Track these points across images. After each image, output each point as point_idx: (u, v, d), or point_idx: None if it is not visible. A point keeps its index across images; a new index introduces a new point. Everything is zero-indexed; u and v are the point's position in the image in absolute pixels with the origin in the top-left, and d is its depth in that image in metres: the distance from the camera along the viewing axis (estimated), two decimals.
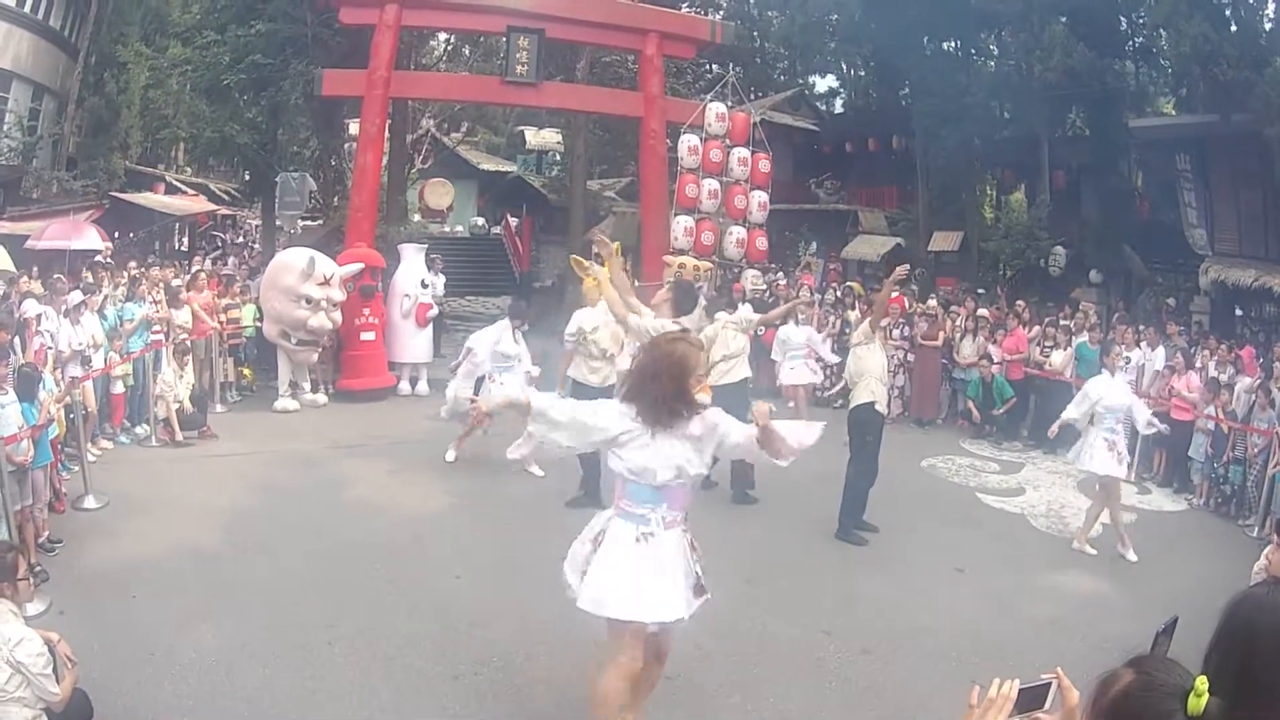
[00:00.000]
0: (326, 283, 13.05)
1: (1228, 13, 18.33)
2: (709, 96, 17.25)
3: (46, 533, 7.64)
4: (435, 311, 15.22)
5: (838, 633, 6.63)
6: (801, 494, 9.51)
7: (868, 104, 31.10)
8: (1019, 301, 16.28)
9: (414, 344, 15.01)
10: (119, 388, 11.06)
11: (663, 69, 17.41)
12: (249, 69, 17.49)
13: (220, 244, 29.94)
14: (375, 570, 7.38)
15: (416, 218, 28.14)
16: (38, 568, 6.43)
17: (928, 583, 7.82)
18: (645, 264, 16.05)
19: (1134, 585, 8.02)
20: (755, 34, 32.61)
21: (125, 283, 12.81)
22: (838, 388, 14.00)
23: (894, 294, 15.25)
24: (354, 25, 15.55)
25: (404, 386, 14.95)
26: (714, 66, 29.50)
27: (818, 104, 33.53)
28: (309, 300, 12.91)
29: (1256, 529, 9.81)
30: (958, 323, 15.05)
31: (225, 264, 20.55)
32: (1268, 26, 18.74)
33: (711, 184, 16.00)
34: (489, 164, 37.19)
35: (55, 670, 4.39)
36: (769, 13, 33.23)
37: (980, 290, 18.54)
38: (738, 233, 16.15)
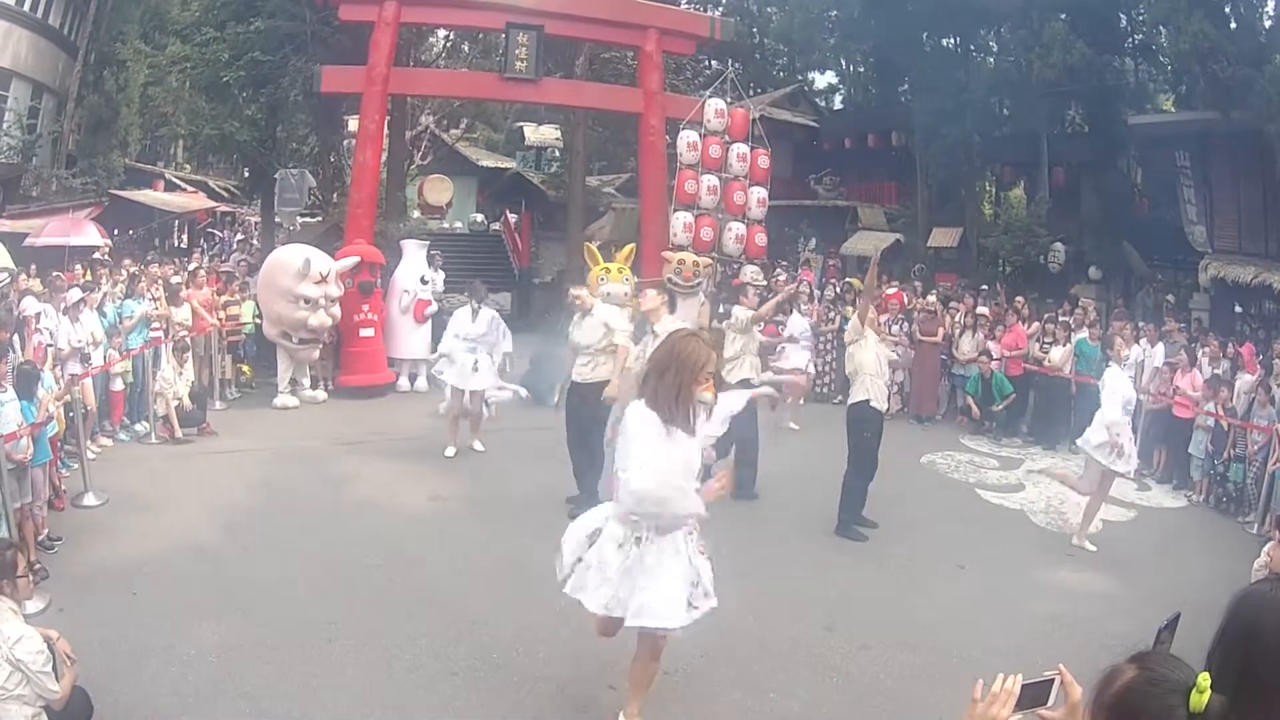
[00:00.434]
0: (323, 280, 13.04)
1: (1227, 10, 18.32)
2: (708, 92, 17.23)
3: (46, 530, 7.64)
4: (435, 308, 15.23)
5: (838, 629, 6.63)
6: (802, 490, 9.52)
7: (867, 100, 31.09)
8: (1018, 298, 16.28)
9: (413, 340, 15.00)
10: (118, 385, 11.05)
11: (662, 65, 17.41)
12: (248, 66, 17.49)
13: (217, 241, 29.96)
14: (375, 567, 7.38)
15: (416, 214, 28.11)
16: (37, 565, 6.41)
17: (928, 579, 7.83)
18: (644, 260, 16.02)
19: (1134, 581, 8.01)
20: (755, 30, 32.63)
21: (124, 280, 12.80)
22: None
23: (891, 290, 15.34)
24: (353, 22, 15.54)
25: (403, 383, 14.95)
26: (713, 63, 29.53)
27: (817, 100, 33.53)
28: (307, 300, 12.89)
29: (1256, 526, 9.82)
30: (957, 319, 15.04)
31: (224, 261, 20.54)
32: (1267, 24, 18.75)
33: (711, 180, 15.98)
34: (488, 160, 37.12)
35: (55, 668, 4.38)
36: (768, 9, 33.26)
37: (984, 287, 18.54)
38: (737, 229, 16.13)
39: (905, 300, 15.54)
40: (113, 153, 25.71)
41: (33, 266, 12.66)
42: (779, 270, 18.63)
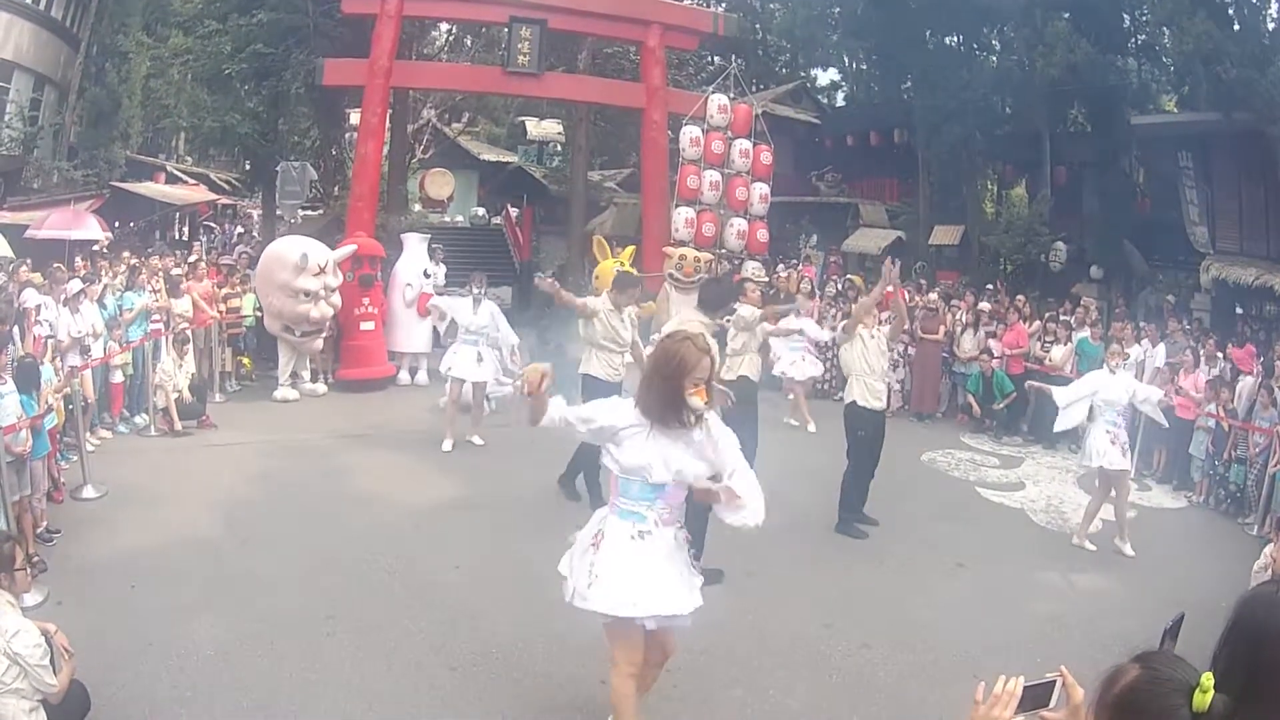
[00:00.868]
0: (322, 271, 13.01)
1: (1230, 11, 18.32)
2: (711, 88, 17.23)
3: (44, 523, 7.63)
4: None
5: (838, 627, 6.62)
6: (802, 488, 9.51)
7: (869, 98, 31.02)
8: (1019, 296, 16.28)
9: (414, 334, 14.99)
10: (118, 377, 11.04)
11: (665, 60, 17.42)
12: (250, 59, 17.49)
13: (215, 233, 29.92)
14: (374, 561, 7.37)
15: (417, 208, 28.11)
16: (35, 558, 6.40)
17: (928, 577, 7.82)
18: (646, 255, 16.02)
19: (1133, 582, 8.01)
20: (757, 26, 32.56)
21: (124, 272, 12.79)
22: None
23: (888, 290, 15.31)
24: (356, 15, 15.54)
25: (403, 376, 14.95)
26: (716, 58, 29.48)
27: (819, 97, 33.46)
28: (307, 293, 12.88)
29: (1256, 527, 9.81)
30: (958, 317, 15.03)
31: (222, 254, 20.50)
32: (1270, 26, 18.76)
33: (713, 175, 15.98)
34: (490, 154, 37.10)
35: (53, 661, 4.37)
36: (771, 5, 33.17)
37: (989, 286, 18.53)
38: (739, 224, 16.13)
39: (906, 298, 15.51)
40: (114, 145, 25.70)
41: (28, 261, 12.60)
42: (780, 266, 18.63)
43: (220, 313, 13.49)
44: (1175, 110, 22.70)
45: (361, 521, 8.32)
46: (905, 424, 13.86)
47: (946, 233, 23.70)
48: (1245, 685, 1.80)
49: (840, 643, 6.38)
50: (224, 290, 14.05)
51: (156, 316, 11.94)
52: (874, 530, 8.79)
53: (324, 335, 13.68)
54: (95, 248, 15.62)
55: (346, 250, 13.76)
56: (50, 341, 9.65)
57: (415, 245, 15.55)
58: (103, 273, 12.30)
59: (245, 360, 14.35)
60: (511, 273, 26.63)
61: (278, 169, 18.55)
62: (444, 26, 24.83)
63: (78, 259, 13.65)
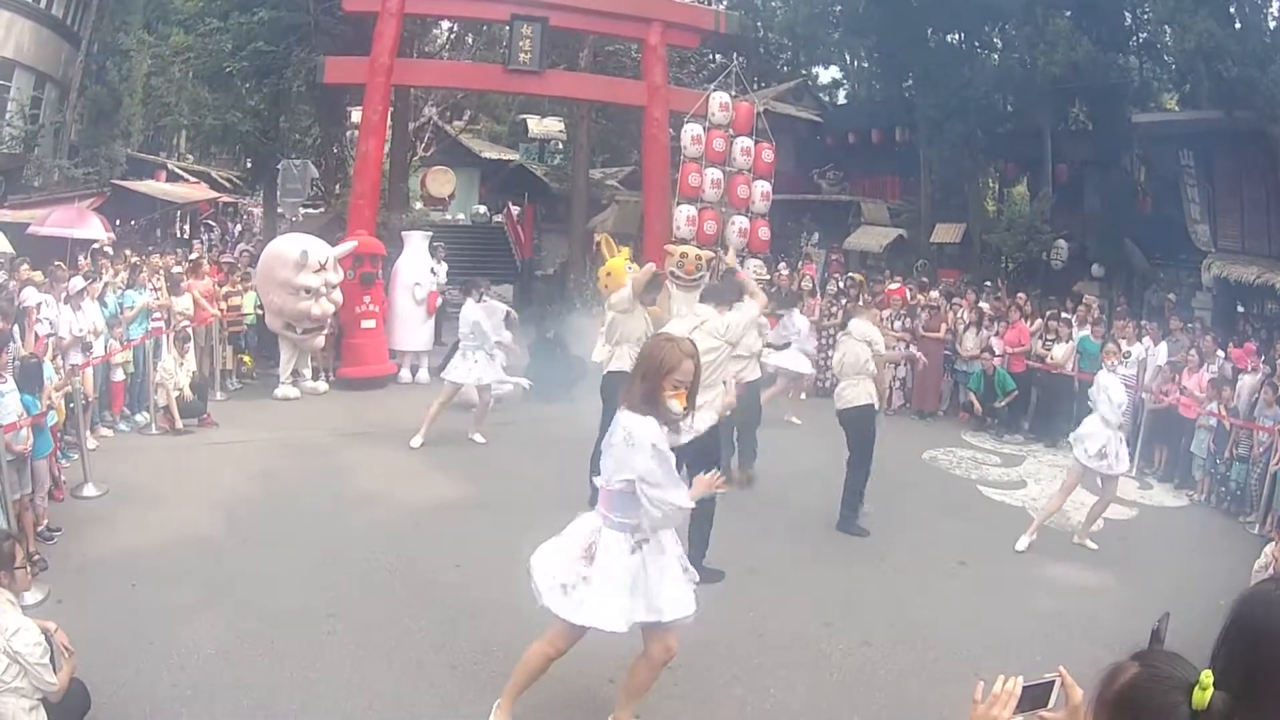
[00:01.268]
0: (322, 268, 13.01)
1: (1232, 10, 18.26)
2: (712, 86, 17.19)
3: (45, 521, 7.64)
4: (440, 300, 15.22)
5: (839, 625, 6.62)
6: (802, 486, 9.51)
7: (871, 95, 30.97)
8: (1019, 294, 16.27)
9: (415, 332, 14.99)
10: (119, 375, 11.05)
11: (666, 58, 17.40)
12: (251, 56, 17.49)
13: (212, 229, 29.95)
14: (375, 560, 7.37)
15: (418, 205, 28.11)
16: (36, 556, 6.42)
17: (929, 575, 7.82)
18: (647, 253, 15.99)
19: (1135, 580, 8.01)
20: (759, 24, 32.49)
21: (126, 270, 12.79)
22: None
23: (893, 285, 15.29)
24: (357, 12, 15.52)
25: (404, 374, 14.95)
26: (717, 56, 29.42)
27: (821, 95, 33.43)
28: (308, 290, 12.88)
29: (1258, 526, 9.81)
30: (960, 314, 15.03)
31: (224, 251, 20.52)
32: (1272, 24, 18.69)
33: (714, 173, 15.96)
34: (491, 152, 37.07)
35: (53, 660, 4.37)
36: (772, 3, 33.12)
37: (986, 283, 18.52)
38: (740, 222, 16.11)
39: (908, 296, 15.52)
40: (115, 143, 25.72)
41: (27, 261, 12.57)
42: (782, 265, 18.62)
43: (221, 311, 13.48)
44: (1177, 108, 22.68)
45: (362, 520, 8.32)
46: (907, 422, 13.88)
47: (948, 230, 23.67)
48: (1244, 683, 1.79)
49: (841, 641, 6.38)
50: (225, 288, 14.04)
51: (157, 314, 11.93)
52: (874, 528, 8.79)
53: (325, 333, 13.68)
54: (96, 245, 15.60)
55: (347, 247, 13.77)
56: (51, 340, 9.64)
57: (417, 243, 15.56)
58: (104, 270, 12.30)
59: (246, 358, 14.35)
60: (513, 270, 26.67)
61: (279, 167, 18.57)
62: (445, 24, 24.78)
63: (80, 257, 13.64)
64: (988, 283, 18.70)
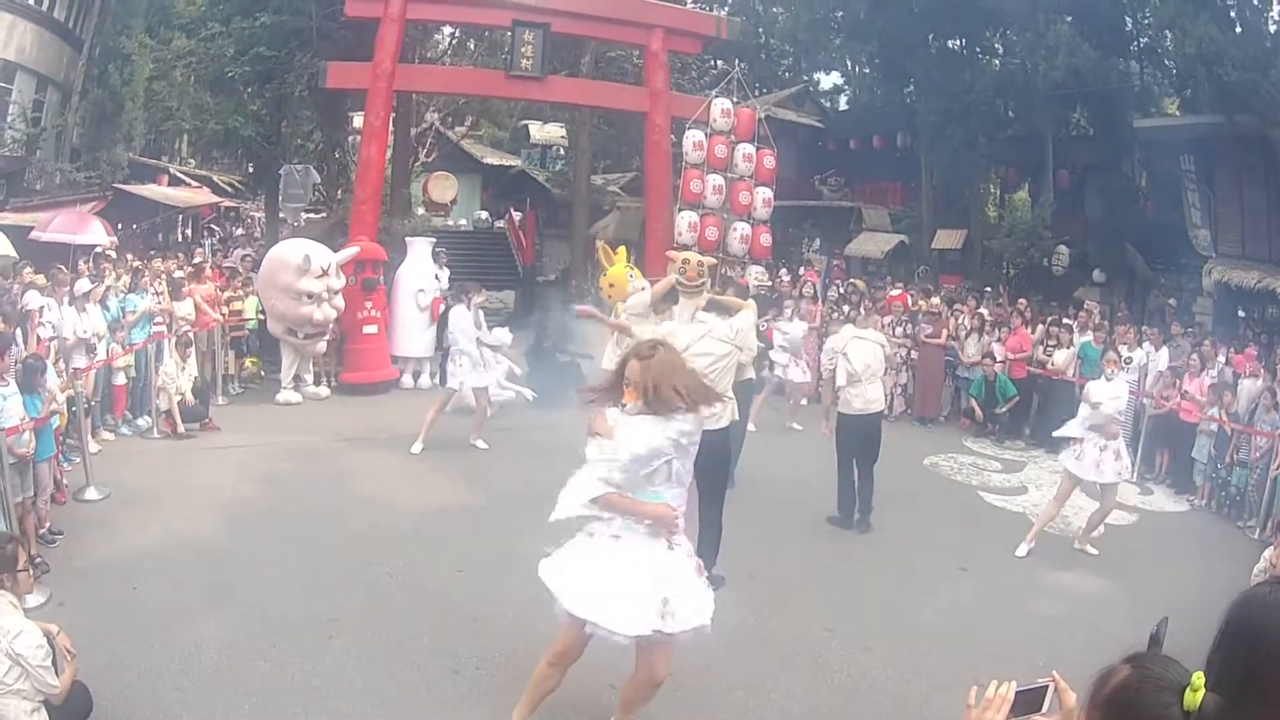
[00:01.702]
0: (325, 274, 13.03)
1: (1233, 14, 18.31)
2: (714, 92, 17.23)
3: (47, 524, 7.64)
4: (443, 306, 15.26)
5: (840, 630, 6.62)
6: (802, 491, 9.51)
7: (872, 101, 31.03)
8: (1020, 300, 16.28)
9: (417, 338, 15.00)
10: (120, 379, 11.06)
11: (668, 64, 17.42)
12: (254, 61, 17.50)
13: (215, 233, 29.95)
14: (377, 564, 7.38)
15: (420, 211, 28.13)
16: (38, 559, 6.43)
17: (930, 581, 7.82)
18: (649, 259, 16.02)
19: (1135, 585, 8.01)
20: (760, 30, 32.56)
21: (128, 274, 12.80)
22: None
23: (895, 291, 15.30)
24: (359, 18, 15.53)
25: (406, 380, 14.96)
26: (719, 62, 29.50)
27: (822, 101, 33.51)
28: (310, 295, 12.89)
29: (1258, 531, 9.80)
30: (961, 320, 15.03)
31: (227, 256, 20.53)
32: (1273, 29, 18.74)
33: (716, 179, 16.00)
34: (493, 158, 37.12)
35: (55, 663, 4.38)
36: (774, 9, 33.17)
37: (987, 289, 18.53)
38: (742, 229, 16.15)
39: (909, 302, 15.52)
40: (117, 147, 25.66)
41: (30, 265, 12.57)
42: (783, 271, 18.63)
43: (223, 315, 13.50)
44: (1178, 113, 22.69)
45: (364, 524, 8.33)
46: (908, 428, 13.87)
47: (949, 236, 23.71)
48: (1241, 686, 1.80)
49: (841, 646, 6.39)
50: (226, 293, 14.05)
51: (159, 319, 11.94)
52: (875, 533, 8.84)
53: (327, 338, 13.69)
54: (98, 250, 15.60)
55: (349, 253, 13.78)
56: (54, 343, 9.65)
57: (420, 249, 15.57)
58: (106, 274, 12.31)
59: (250, 361, 14.34)
60: (515, 276, 26.66)
61: (281, 172, 18.58)
62: (447, 30, 24.80)
63: (80, 262, 13.63)
64: (989, 289, 18.71)
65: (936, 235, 23.93)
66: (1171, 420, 11.77)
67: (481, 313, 11.57)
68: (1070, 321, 14.53)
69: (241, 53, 17.50)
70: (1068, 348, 13.54)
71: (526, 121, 38.20)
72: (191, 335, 12.12)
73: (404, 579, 7.13)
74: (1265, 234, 17.89)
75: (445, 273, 16.14)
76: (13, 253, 14.12)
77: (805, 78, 34.02)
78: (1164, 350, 13.11)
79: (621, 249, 12.61)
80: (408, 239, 16.12)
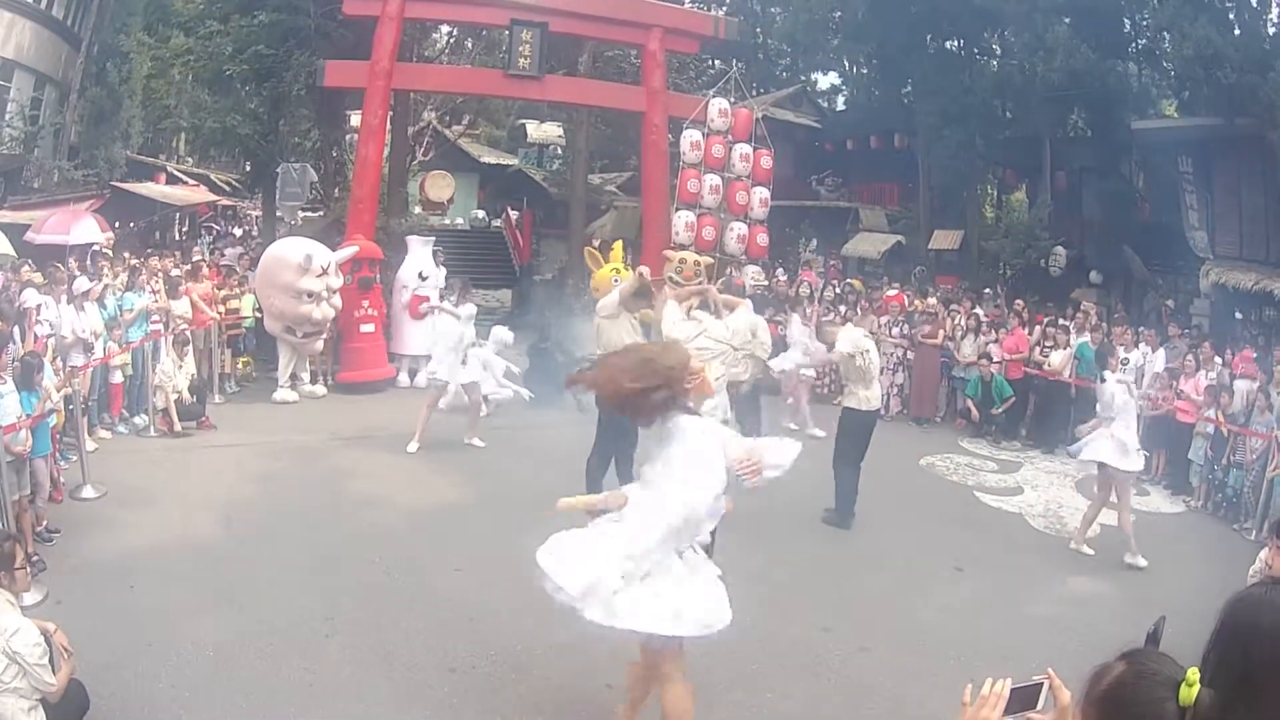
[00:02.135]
0: (324, 273, 13.02)
1: (1231, 16, 18.32)
2: (711, 92, 17.24)
3: (44, 522, 7.64)
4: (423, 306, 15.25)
5: (836, 630, 6.63)
6: (801, 491, 9.50)
7: (870, 102, 30.99)
8: (1017, 301, 16.29)
9: (414, 336, 14.98)
10: (117, 378, 11.05)
11: (665, 64, 17.40)
12: (251, 60, 17.47)
13: (214, 231, 29.92)
14: (374, 563, 7.38)
15: (417, 210, 28.10)
16: (35, 557, 6.42)
17: (927, 581, 7.84)
18: (646, 259, 16.01)
19: (1131, 586, 8.03)
20: (758, 30, 32.53)
21: (125, 272, 12.79)
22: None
23: (891, 292, 15.31)
24: (357, 17, 15.52)
25: (403, 379, 14.95)
26: (716, 62, 29.49)
27: (820, 101, 33.45)
28: (310, 294, 12.88)
29: (1254, 532, 9.80)
30: (958, 321, 15.04)
31: (223, 255, 20.51)
32: (1271, 30, 18.75)
33: (713, 179, 16.00)
34: (490, 157, 37.12)
35: (51, 660, 4.37)
36: (772, 9, 33.13)
37: (987, 290, 18.54)
38: (739, 229, 16.15)
39: (906, 302, 15.52)
40: (115, 145, 25.63)
41: (28, 263, 12.56)
42: (779, 271, 18.64)
43: (220, 314, 13.48)
44: (1175, 115, 22.68)
45: (360, 523, 8.33)
46: (904, 428, 13.88)
47: (946, 237, 23.70)
48: (1236, 685, 1.81)
49: (839, 646, 6.40)
50: (223, 292, 14.04)
51: (156, 317, 11.93)
52: (873, 534, 8.86)
53: (324, 337, 13.68)
54: (96, 248, 15.58)
55: (348, 252, 13.77)
56: (51, 341, 9.65)
57: (419, 248, 15.56)
58: (103, 272, 12.30)
59: (242, 362, 14.32)
60: (511, 275, 26.66)
61: (278, 170, 18.56)
62: (445, 29, 24.80)
63: (71, 261, 13.60)
64: (986, 290, 18.72)
65: (934, 236, 23.93)
66: (1168, 421, 11.78)
67: (473, 308, 11.59)
68: (1067, 322, 14.53)
69: (239, 51, 17.48)
70: (1064, 349, 13.55)
71: (524, 121, 38.18)
72: (189, 334, 12.10)
73: (400, 577, 7.14)
74: (1263, 236, 17.89)
75: (441, 271, 16.14)
76: (11, 251, 14.11)
77: (803, 78, 33.95)
78: (1160, 351, 13.13)
79: (618, 244, 12.61)
80: (408, 238, 16.11)
